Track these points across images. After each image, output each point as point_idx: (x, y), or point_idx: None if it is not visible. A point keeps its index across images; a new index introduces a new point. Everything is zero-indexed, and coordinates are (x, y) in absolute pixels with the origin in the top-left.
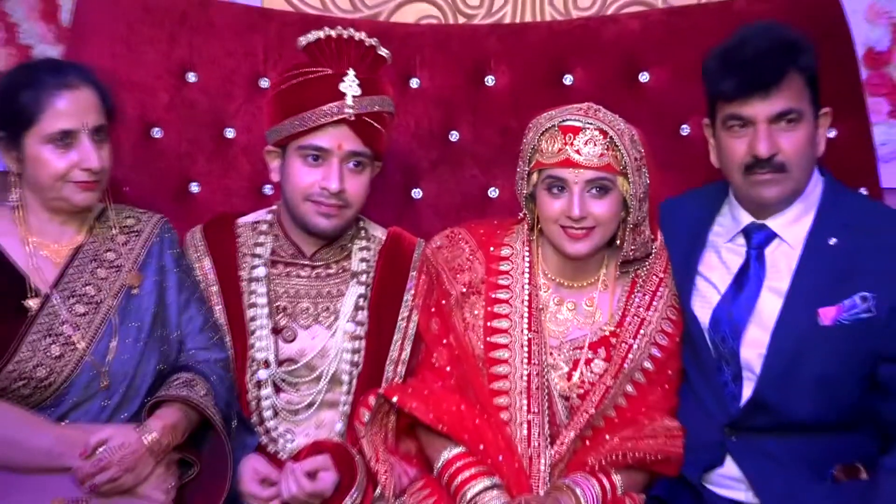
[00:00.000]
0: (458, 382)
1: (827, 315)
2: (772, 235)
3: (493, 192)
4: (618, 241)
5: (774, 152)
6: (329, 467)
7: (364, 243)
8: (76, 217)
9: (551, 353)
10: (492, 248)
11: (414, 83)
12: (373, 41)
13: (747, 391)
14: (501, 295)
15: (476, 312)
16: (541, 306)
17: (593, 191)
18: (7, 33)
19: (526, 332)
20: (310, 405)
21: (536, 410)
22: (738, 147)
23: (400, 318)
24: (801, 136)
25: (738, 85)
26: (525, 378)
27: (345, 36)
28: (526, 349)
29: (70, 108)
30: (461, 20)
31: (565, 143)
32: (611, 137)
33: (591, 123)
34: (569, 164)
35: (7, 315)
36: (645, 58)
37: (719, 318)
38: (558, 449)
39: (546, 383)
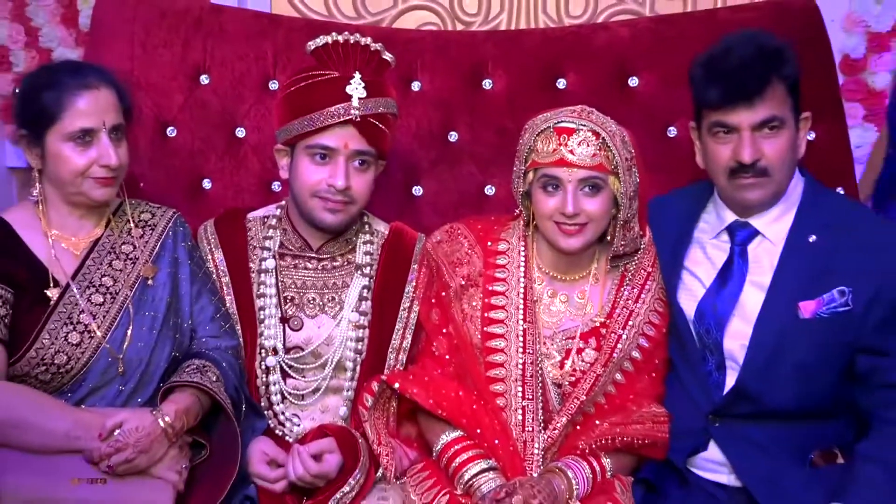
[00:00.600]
0: (457, 370)
1: (807, 308)
2: (754, 233)
3: (489, 190)
4: (608, 237)
5: (758, 158)
6: (334, 450)
7: (368, 237)
8: (94, 211)
9: (545, 343)
10: (489, 243)
11: (415, 86)
12: (378, 46)
13: (730, 380)
14: (498, 287)
15: (474, 304)
16: (535, 298)
17: (586, 189)
18: (29, 37)
19: (521, 322)
20: (315, 391)
21: (531, 397)
22: (722, 152)
23: (402, 308)
24: (783, 141)
25: (723, 94)
26: (520, 366)
27: (351, 41)
28: (521, 339)
29: (90, 108)
30: (459, 27)
31: (560, 144)
32: (603, 138)
33: (584, 125)
34: (563, 163)
35: (29, 304)
36: (634, 63)
37: (704, 310)
38: (551, 433)
39: (540, 371)
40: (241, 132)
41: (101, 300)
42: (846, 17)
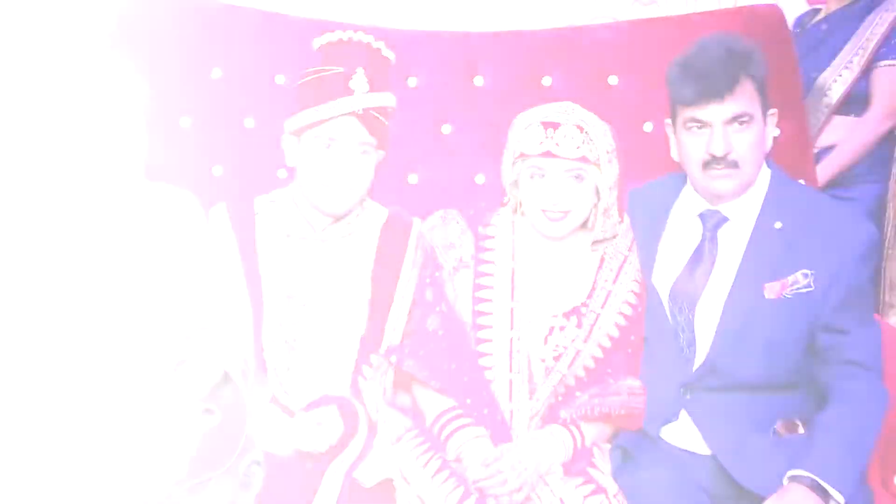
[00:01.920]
0: (449, 345)
1: (772, 290)
2: (724, 220)
3: (479, 179)
4: (589, 224)
5: (729, 151)
6: (335, 418)
7: (368, 221)
8: None
9: (530, 321)
10: (480, 228)
11: (412, 82)
12: (380, 44)
13: (700, 356)
14: (487, 269)
15: (465, 284)
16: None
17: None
18: None
19: (509, 301)
20: (318, 363)
21: (517, 371)
22: (696, 146)
23: (398, 287)
24: (752, 135)
25: (696, 92)
26: (507, 342)
27: (354, 39)
28: (508, 317)
29: None
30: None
31: (546, 137)
32: (586, 132)
33: (569, 120)
34: (549, 155)
35: None
36: (614, 64)
37: (677, 291)
38: (535, 404)
39: (525, 347)
40: (250, 123)
41: None
42: None
